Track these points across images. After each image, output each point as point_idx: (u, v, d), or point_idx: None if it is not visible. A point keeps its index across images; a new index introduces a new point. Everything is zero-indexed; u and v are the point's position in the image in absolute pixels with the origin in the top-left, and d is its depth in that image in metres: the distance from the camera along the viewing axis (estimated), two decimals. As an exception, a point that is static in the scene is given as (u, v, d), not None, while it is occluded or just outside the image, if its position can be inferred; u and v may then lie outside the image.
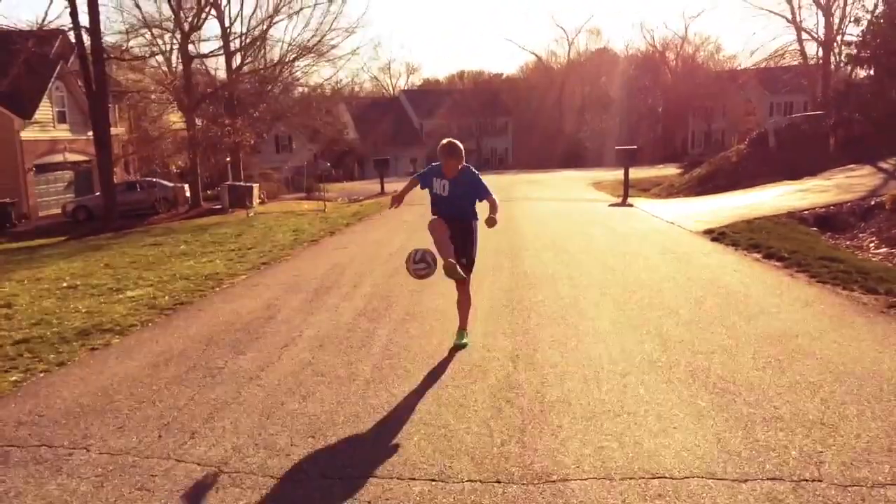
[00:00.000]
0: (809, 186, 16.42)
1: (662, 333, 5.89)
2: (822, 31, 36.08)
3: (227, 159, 32.00)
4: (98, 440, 4.12)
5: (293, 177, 37.26)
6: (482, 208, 5.66)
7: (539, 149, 61.56)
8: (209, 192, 31.40)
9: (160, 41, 28.42)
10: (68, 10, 22.24)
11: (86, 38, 22.92)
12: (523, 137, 67.30)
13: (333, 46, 30.55)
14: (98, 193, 26.73)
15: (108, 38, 26.83)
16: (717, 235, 11.24)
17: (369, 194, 28.35)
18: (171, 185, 30.52)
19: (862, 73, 26.81)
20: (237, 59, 30.34)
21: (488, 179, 5.71)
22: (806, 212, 12.88)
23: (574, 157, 58.10)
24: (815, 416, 4.07)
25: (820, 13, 35.84)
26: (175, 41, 28.30)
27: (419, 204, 6.10)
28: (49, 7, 38.70)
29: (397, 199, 5.88)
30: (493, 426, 4.11)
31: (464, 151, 5.55)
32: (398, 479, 3.54)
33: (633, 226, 13.62)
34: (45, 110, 29.51)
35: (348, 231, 14.87)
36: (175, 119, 31.72)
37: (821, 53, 36.83)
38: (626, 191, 20.59)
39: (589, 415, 4.22)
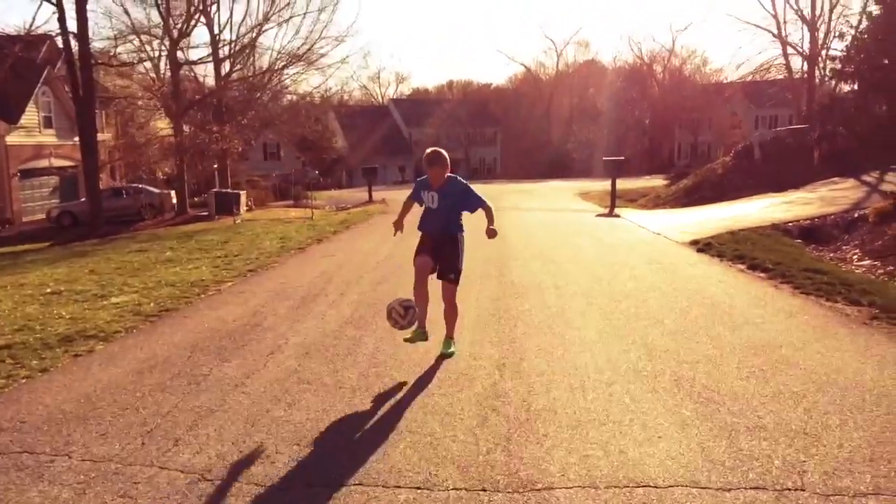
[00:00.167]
0: (794, 199, 16.58)
1: (648, 343, 5.92)
2: (807, 46, 36.58)
3: (215, 166, 31.90)
4: (80, 447, 4.08)
5: (281, 184, 37.12)
6: (467, 220, 5.66)
7: (527, 159, 61.83)
8: (196, 198, 31.28)
9: (148, 47, 28.40)
10: (56, 15, 22.20)
11: (73, 44, 22.87)
12: (512, 148, 67.56)
13: (323, 55, 30.69)
14: (83, 199, 26.58)
15: (96, 44, 26.76)
16: (703, 246, 11.32)
17: (357, 202, 28.33)
18: (157, 191, 30.38)
19: (846, 87, 27.20)
20: (226, 67, 30.29)
21: (477, 189, 5.72)
22: (790, 224, 13.00)
23: (562, 168, 58.37)
24: (798, 426, 4.10)
25: (805, 28, 36.38)
26: (164, 48, 28.26)
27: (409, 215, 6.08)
28: (37, 12, 38.66)
29: (399, 225, 5.88)
30: (479, 434, 4.11)
31: (448, 160, 5.53)
32: (383, 486, 3.53)
33: (619, 236, 13.69)
34: (31, 115, 29.33)
35: (336, 239, 14.86)
36: (162, 125, 31.61)
37: (806, 68, 37.32)
38: (614, 201, 20.70)
39: (574, 423, 4.23)
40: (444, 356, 5.60)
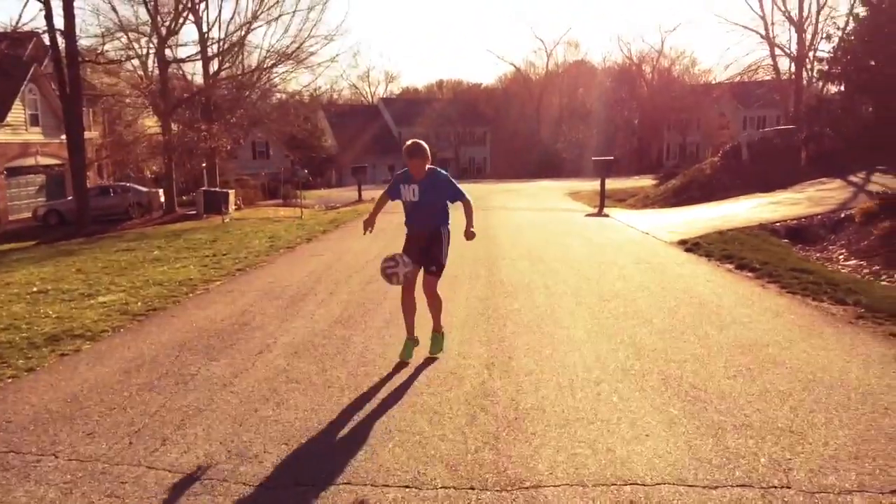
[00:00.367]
0: (781, 199, 16.69)
1: (636, 342, 5.94)
2: (794, 48, 36.83)
3: (203, 165, 31.74)
4: (67, 447, 4.05)
5: (270, 183, 37.00)
6: (453, 214, 5.65)
7: (517, 159, 61.94)
8: (184, 197, 31.12)
9: (136, 45, 28.17)
10: (43, 12, 22.03)
11: (60, 41, 22.69)
12: (501, 147, 67.65)
13: (312, 53, 30.51)
14: (70, 197, 26.40)
15: (84, 41, 26.58)
16: (691, 246, 11.38)
17: (347, 202, 28.30)
18: (145, 189, 30.22)
19: (833, 88, 27.41)
20: (214, 65, 30.15)
21: (466, 189, 5.71)
22: (778, 224, 13.09)
23: (551, 168, 58.50)
24: (784, 424, 4.13)
25: (792, 30, 36.61)
26: (152, 45, 28.07)
27: (396, 212, 6.08)
28: (23, 9, 38.25)
29: (369, 224, 5.76)
30: (468, 433, 4.12)
31: (429, 152, 5.48)
32: (372, 485, 3.53)
33: (608, 236, 13.74)
34: (17, 113, 29.07)
35: (325, 238, 14.83)
36: (150, 123, 31.40)
37: (793, 69, 37.56)
38: (603, 201, 20.76)
39: (563, 422, 4.25)
40: (431, 358, 5.57)
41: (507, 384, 4.96)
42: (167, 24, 27.66)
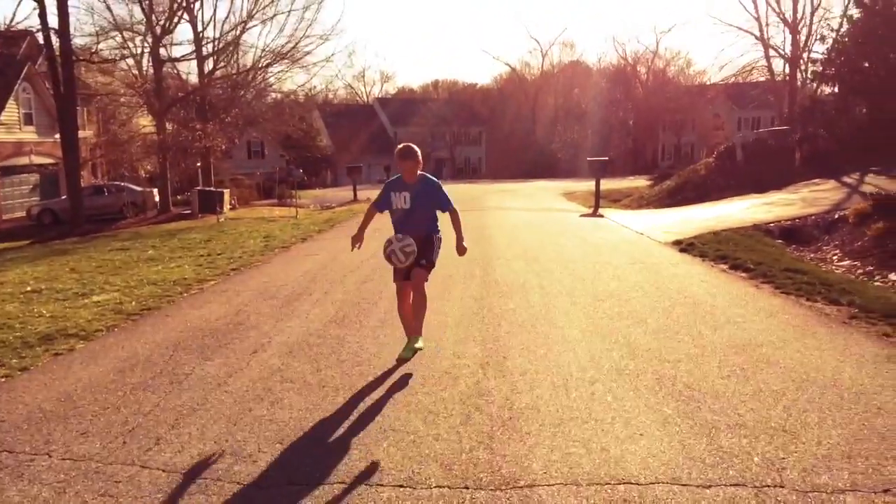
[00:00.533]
0: (775, 200, 16.74)
1: (630, 342, 5.96)
2: (788, 49, 36.89)
3: (198, 164, 31.68)
4: (61, 446, 4.04)
5: (265, 183, 36.97)
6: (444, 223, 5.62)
7: (512, 159, 61.98)
8: (179, 196, 31.06)
9: (131, 44, 28.10)
10: (37, 11, 21.95)
11: (55, 40, 22.58)
12: (497, 147, 67.69)
13: (307, 53, 30.48)
14: (64, 197, 26.31)
15: (78, 40, 26.53)
16: (686, 246, 11.40)
17: (342, 201, 28.29)
18: (139, 189, 30.14)
19: (827, 90, 27.49)
20: (209, 64, 30.09)
21: (462, 189, 5.75)
22: (772, 224, 13.13)
23: (547, 168, 58.57)
24: (777, 424, 4.15)
25: (787, 31, 36.65)
26: (146, 44, 28.00)
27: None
28: (17, 7, 38.09)
29: (357, 239, 5.60)
30: (463, 432, 4.12)
31: (420, 155, 5.41)
32: (366, 484, 3.53)
33: (603, 236, 13.76)
34: (11, 112, 28.96)
35: (320, 238, 14.82)
36: (145, 123, 31.34)
37: (787, 70, 37.64)
38: (598, 202, 20.78)
39: (557, 421, 4.25)
40: (401, 359, 5.32)
41: (502, 384, 4.96)
42: (162, 22, 27.59)
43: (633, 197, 26.72)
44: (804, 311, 7.00)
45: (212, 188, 28.03)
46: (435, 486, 3.49)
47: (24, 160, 30.14)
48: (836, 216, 12.53)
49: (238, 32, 29.63)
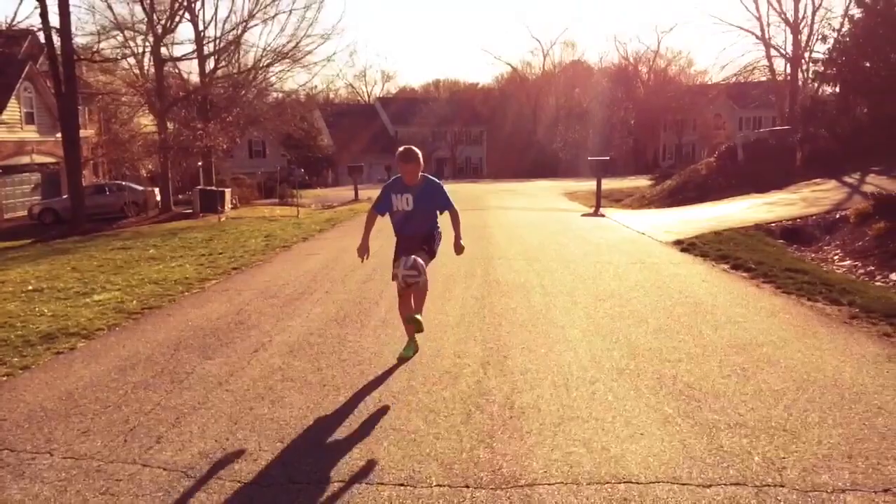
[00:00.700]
0: (776, 200, 16.73)
1: (631, 341, 5.96)
2: (790, 49, 36.85)
3: (199, 163, 31.70)
4: (62, 444, 4.05)
5: (266, 182, 36.98)
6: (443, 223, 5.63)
7: (513, 158, 61.94)
8: (180, 196, 31.08)
9: (132, 43, 28.09)
10: (38, 10, 21.95)
11: (56, 39, 22.59)
12: (498, 147, 67.65)
13: (308, 52, 30.45)
14: (66, 196, 26.32)
15: (79, 40, 26.58)
16: (687, 246, 11.40)
17: (343, 201, 28.30)
18: (140, 188, 30.16)
19: (828, 89, 27.46)
20: (211, 63, 30.09)
21: (463, 189, 5.77)
22: (773, 224, 13.12)
23: (548, 168, 58.57)
24: (778, 423, 4.15)
25: (788, 31, 36.62)
26: (147, 44, 27.99)
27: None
28: (19, 7, 38.21)
29: (363, 250, 5.54)
30: (463, 431, 4.13)
31: (421, 157, 5.40)
32: (367, 483, 3.54)
33: (604, 236, 13.76)
34: (12, 111, 28.98)
35: (321, 237, 14.83)
36: (146, 122, 31.36)
37: (789, 70, 37.61)
38: (599, 201, 20.78)
39: (558, 421, 4.26)
40: (402, 359, 5.41)
41: (503, 383, 4.97)
42: (163, 22, 27.60)
43: (635, 196, 26.72)
44: (805, 310, 7.00)
45: (213, 187, 28.04)
46: (435, 485, 3.50)
47: (25, 159, 30.17)
48: (838, 216, 12.52)
49: (239, 32, 29.66)
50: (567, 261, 10.40)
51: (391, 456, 3.83)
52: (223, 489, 3.50)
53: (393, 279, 5.34)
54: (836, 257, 10.29)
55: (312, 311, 7.40)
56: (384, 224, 5.68)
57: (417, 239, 5.49)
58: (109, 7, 27.02)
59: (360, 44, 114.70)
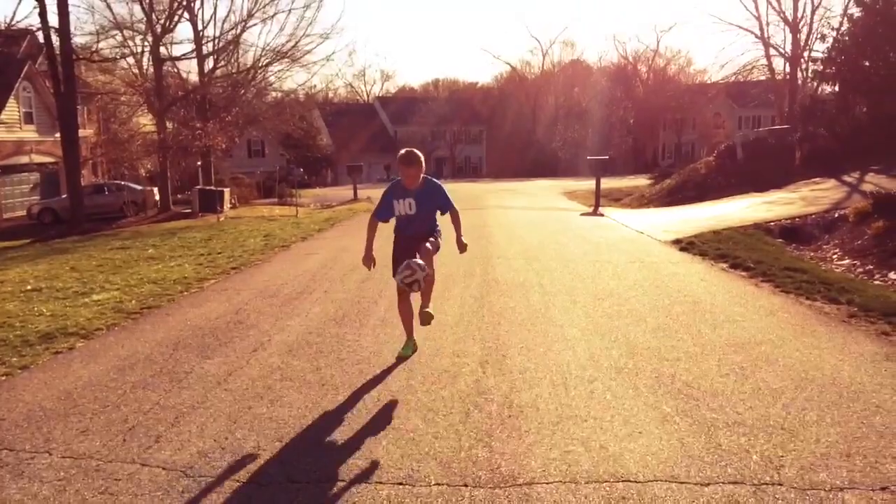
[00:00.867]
0: (775, 199, 16.74)
1: (630, 340, 5.96)
2: (789, 48, 36.86)
3: (198, 163, 31.68)
4: (61, 444, 4.05)
5: (265, 182, 36.96)
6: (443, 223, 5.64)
7: (513, 158, 61.91)
8: (179, 195, 31.05)
9: (131, 43, 28.06)
10: (37, 10, 21.93)
11: (55, 39, 22.57)
12: (497, 146, 67.62)
13: (307, 52, 30.42)
14: (65, 196, 26.30)
15: (78, 39, 26.56)
16: (686, 245, 11.41)
17: (342, 200, 28.27)
18: (139, 188, 30.14)
19: (827, 88, 27.46)
20: (210, 63, 30.06)
21: (462, 188, 5.78)
22: (772, 223, 13.12)
23: (547, 167, 58.54)
24: (776, 422, 4.16)
25: (787, 30, 36.62)
26: (147, 43, 27.97)
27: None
28: (17, 6, 38.18)
29: (369, 259, 5.56)
30: (462, 430, 4.13)
31: (423, 160, 5.38)
32: (366, 482, 3.54)
33: (603, 235, 13.76)
34: (11, 111, 28.96)
35: (320, 237, 14.83)
36: (145, 122, 31.33)
37: (788, 69, 37.62)
38: (598, 200, 20.78)
39: (556, 419, 4.26)
40: (401, 358, 5.45)
41: (501, 382, 4.97)
42: (162, 21, 27.58)
43: (634, 196, 26.73)
44: (804, 309, 7.01)
45: (212, 187, 28.00)
46: (434, 484, 3.50)
47: (24, 159, 30.15)
48: (836, 215, 12.53)
49: (238, 31, 29.63)
50: (566, 260, 10.40)
51: (390, 455, 3.84)
52: (222, 488, 3.50)
53: (399, 298, 5.32)
54: (834, 256, 10.30)
55: (311, 310, 7.40)
56: (383, 226, 5.68)
57: (418, 238, 5.50)
58: (108, 7, 27.15)
59: (360, 43, 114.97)
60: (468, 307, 7.34)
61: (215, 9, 49.10)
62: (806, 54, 35.16)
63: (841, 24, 26.41)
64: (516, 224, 16.43)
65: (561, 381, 4.97)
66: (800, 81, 36.35)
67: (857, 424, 4.11)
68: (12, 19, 25.23)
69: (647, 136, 67.54)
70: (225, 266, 10.67)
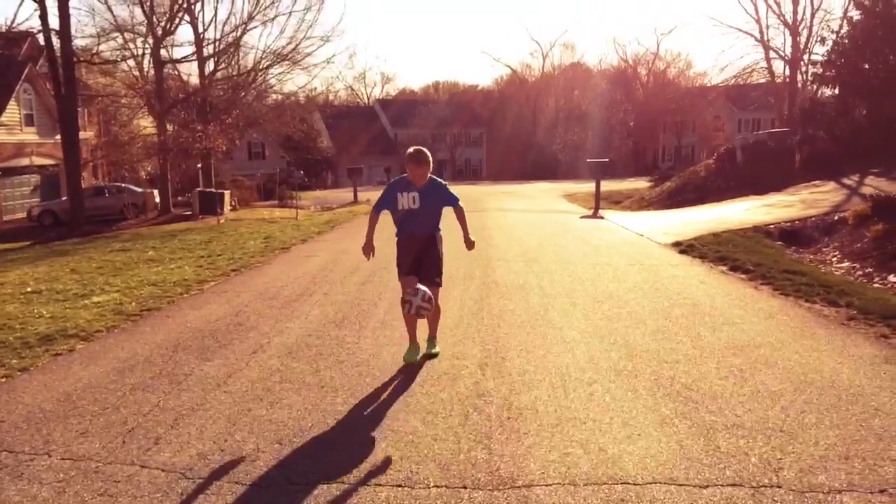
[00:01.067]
0: (775, 201, 16.74)
1: (629, 343, 5.97)
2: (789, 51, 36.89)
3: (199, 165, 31.70)
4: (60, 446, 4.06)
5: (265, 184, 36.99)
6: (444, 226, 5.65)
7: (513, 160, 61.94)
8: (179, 198, 31.07)
9: (132, 45, 28.14)
10: (38, 12, 21.97)
11: (56, 41, 22.61)
12: (497, 149, 67.65)
13: (308, 54, 30.47)
14: (65, 198, 26.33)
15: (79, 42, 26.62)
16: (685, 248, 11.41)
17: (342, 203, 28.30)
18: (140, 190, 30.18)
19: (827, 91, 27.45)
20: (210, 65, 30.10)
21: (463, 191, 5.75)
22: (771, 226, 13.13)
23: (547, 169, 58.56)
24: (775, 424, 4.16)
25: (787, 33, 36.65)
26: (147, 45, 28.02)
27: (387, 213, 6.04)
28: (18, 9, 38.28)
29: (369, 248, 5.61)
30: (461, 433, 4.13)
31: (431, 159, 5.44)
32: (365, 484, 3.54)
33: (603, 237, 13.77)
34: (11, 113, 29.00)
35: (320, 239, 14.84)
36: (146, 124, 31.38)
37: (788, 72, 37.63)
38: (598, 203, 20.79)
39: (555, 422, 4.27)
40: (428, 356, 5.61)
41: (501, 384, 4.97)
42: (163, 24, 27.62)
43: (634, 198, 26.75)
44: (803, 312, 7.01)
45: (212, 189, 28.01)
46: (433, 486, 3.51)
47: (24, 161, 30.19)
48: (836, 218, 12.54)
49: (239, 34, 29.66)
50: (566, 262, 10.41)
51: (389, 457, 3.84)
52: (221, 490, 3.50)
53: (403, 305, 5.25)
54: (834, 259, 10.30)
55: (311, 312, 7.41)
56: (383, 225, 5.70)
57: (419, 242, 5.51)
58: (109, 9, 27.04)
59: (360, 46, 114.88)
60: (468, 309, 7.35)
61: (216, 11, 49.36)
62: (806, 57, 35.20)
63: (840, 26, 26.43)
64: (516, 226, 16.44)
65: (560, 383, 4.97)
66: (799, 84, 36.38)
67: (855, 427, 4.11)
68: (13, 21, 25.35)
69: (647, 138, 67.58)
70: (225, 268, 10.68)
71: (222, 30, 29.90)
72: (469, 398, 4.70)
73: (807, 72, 33.55)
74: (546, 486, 3.49)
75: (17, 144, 29.55)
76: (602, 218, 18.53)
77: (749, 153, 23.50)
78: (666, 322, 6.68)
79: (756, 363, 5.33)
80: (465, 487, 3.49)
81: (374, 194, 6.22)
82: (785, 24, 36.44)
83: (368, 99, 79.13)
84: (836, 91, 25.01)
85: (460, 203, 5.60)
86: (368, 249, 5.64)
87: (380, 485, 3.53)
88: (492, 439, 4.03)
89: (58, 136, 25.24)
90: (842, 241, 11.08)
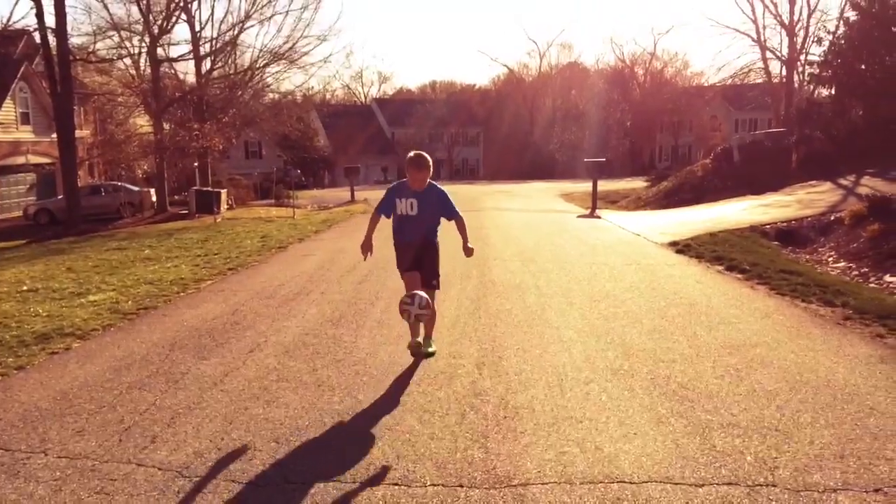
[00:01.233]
0: (771, 201, 16.78)
1: (626, 342, 5.98)
2: (785, 51, 37.00)
3: (195, 164, 31.67)
4: (56, 444, 4.05)
5: (262, 183, 36.96)
6: (442, 231, 5.66)
7: (510, 160, 61.95)
8: (176, 196, 31.03)
9: (128, 44, 28.08)
10: (34, 10, 21.94)
11: (52, 40, 22.57)
12: (494, 148, 67.71)
13: (305, 53, 30.46)
14: (61, 196, 26.30)
15: (75, 40, 26.52)
16: (682, 247, 11.43)
17: (339, 202, 28.27)
18: (136, 189, 30.13)
19: (824, 92, 27.53)
20: (207, 64, 30.08)
21: (459, 190, 5.79)
22: (768, 226, 13.16)
23: (544, 169, 58.58)
24: (770, 423, 4.17)
25: (784, 33, 36.78)
26: (144, 44, 27.99)
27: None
28: (14, 7, 38.32)
29: (367, 247, 5.60)
30: (457, 432, 4.14)
31: (431, 164, 5.41)
32: (361, 483, 3.54)
33: (600, 237, 13.79)
34: (7, 111, 28.95)
35: (317, 238, 14.83)
36: (142, 122, 31.30)
37: (784, 72, 37.72)
38: (595, 203, 20.82)
39: (552, 421, 4.27)
40: (425, 355, 5.61)
41: (497, 383, 4.98)
42: (159, 22, 27.59)
43: (631, 198, 26.77)
44: (799, 312, 7.03)
45: (209, 188, 28.00)
46: (430, 485, 3.51)
47: (20, 160, 30.14)
48: (832, 218, 12.57)
49: (235, 32, 29.67)
50: (563, 262, 10.42)
51: (385, 456, 3.84)
52: (218, 489, 3.50)
53: (402, 314, 5.24)
54: (830, 259, 10.33)
55: (308, 311, 7.41)
56: (382, 225, 5.70)
57: (415, 247, 5.51)
58: (106, 7, 26.96)
59: (357, 45, 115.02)
60: (465, 309, 7.35)
61: (213, 10, 49.38)
62: (802, 57, 35.31)
63: (837, 27, 26.50)
64: (513, 226, 16.45)
65: (557, 382, 4.98)
66: (796, 84, 36.47)
67: (851, 426, 4.12)
68: (9, 19, 25.24)
69: (644, 138, 67.67)
70: (222, 267, 10.67)
71: (219, 28, 29.87)
72: (466, 397, 4.71)
73: (803, 72, 33.58)
74: (542, 484, 3.50)
75: (13, 143, 29.49)
76: (599, 217, 18.55)
77: (746, 153, 23.55)
78: (662, 321, 6.69)
79: (752, 362, 5.35)
80: (461, 486, 3.49)
81: (371, 193, 6.23)
82: (782, 24, 36.56)
83: (365, 98, 79.15)
84: (833, 91, 25.09)
85: (460, 214, 5.56)
86: (366, 248, 5.63)
87: (377, 483, 3.54)
88: (488, 438, 4.04)
89: (54, 135, 25.19)
90: (838, 241, 11.10)
